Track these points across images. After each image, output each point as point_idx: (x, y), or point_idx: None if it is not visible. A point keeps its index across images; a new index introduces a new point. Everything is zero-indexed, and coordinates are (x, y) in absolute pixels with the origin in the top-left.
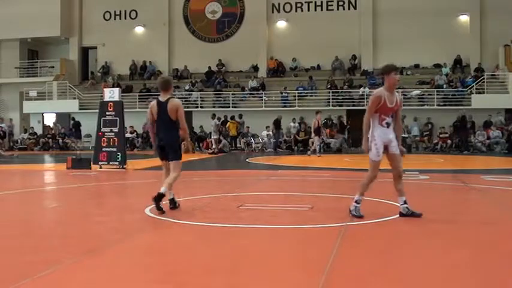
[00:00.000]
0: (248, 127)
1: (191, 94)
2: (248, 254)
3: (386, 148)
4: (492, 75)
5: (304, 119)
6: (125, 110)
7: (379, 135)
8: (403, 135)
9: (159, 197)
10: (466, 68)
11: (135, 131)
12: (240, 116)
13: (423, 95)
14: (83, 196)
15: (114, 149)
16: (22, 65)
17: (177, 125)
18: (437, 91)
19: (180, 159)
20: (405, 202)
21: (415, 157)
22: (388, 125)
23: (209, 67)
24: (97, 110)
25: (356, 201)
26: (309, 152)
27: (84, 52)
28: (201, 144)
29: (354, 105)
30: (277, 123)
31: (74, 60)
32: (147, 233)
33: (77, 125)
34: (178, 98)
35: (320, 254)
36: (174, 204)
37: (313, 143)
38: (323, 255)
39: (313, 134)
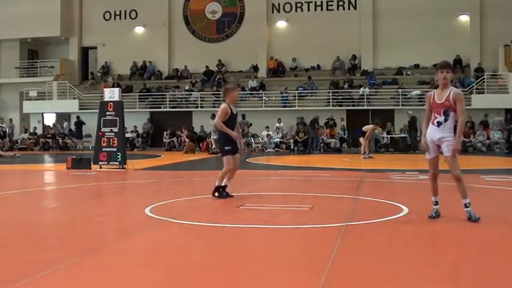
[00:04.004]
0: (249, 127)
1: (191, 94)
2: (248, 254)
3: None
4: (492, 75)
5: (304, 119)
6: (125, 110)
7: (428, 134)
8: (403, 135)
9: (215, 189)
10: (466, 68)
11: (137, 131)
12: (243, 117)
13: (423, 95)
14: (83, 196)
15: (114, 149)
16: (22, 65)
17: (223, 126)
18: None
19: (223, 156)
20: (465, 206)
21: (415, 157)
22: (438, 124)
23: (207, 66)
24: (97, 110)
25: (433, 203)
26: (365, 156)
27: (84, 52)
28: (200, 144)
29: (354, 105)
30: (314, 123)
31: (74, 60)
32: (147, 233)
33: (80, 124)
34: (178, 98)
35: (320, 254)
36: (216, 190)
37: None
38: (323, 255)
39: (364, 138)
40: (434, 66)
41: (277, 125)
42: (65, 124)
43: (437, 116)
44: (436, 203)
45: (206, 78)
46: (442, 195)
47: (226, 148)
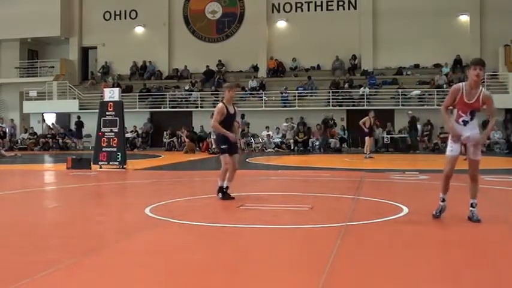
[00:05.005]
0: (248, 127)
1: (191, 94)
2: (248, 254)
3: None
4: (492, 75)
5: (304, 119)
6: (124, 110)
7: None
8: (403, 135)
9: (219, 190)
10: (466, 68)
11: (136, 131)
12: (243, 117)
13: (423, 95)
14: (83, 196)
15: (114, 149)
16: (22, 65)
17: (219, 127)
18: (437, 91)
19: (221, 154)
20: (471, 205)
21: (415, 157)
22: (465, 123)
23: (208, 66)
24: (97, 110)
25: (440, 200)
26: (366, 155)
27: (84, 52)
28: (200, 144)
29: (354, 105)
30: (326, 123)
31: (74, 60)
32: (147, 233)
33: (80, 124)
34: (178, 98)
35: (320, 254)
36: (220, 191)
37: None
38: (323, 255)
39: (369, 137)
40: (434, 66)
41: (285, 124)
42: (39, 124)
43: (463, 115)
44: (443, 200)
45: (206, 78)
46: (438, 195)
47: (223, 147)
